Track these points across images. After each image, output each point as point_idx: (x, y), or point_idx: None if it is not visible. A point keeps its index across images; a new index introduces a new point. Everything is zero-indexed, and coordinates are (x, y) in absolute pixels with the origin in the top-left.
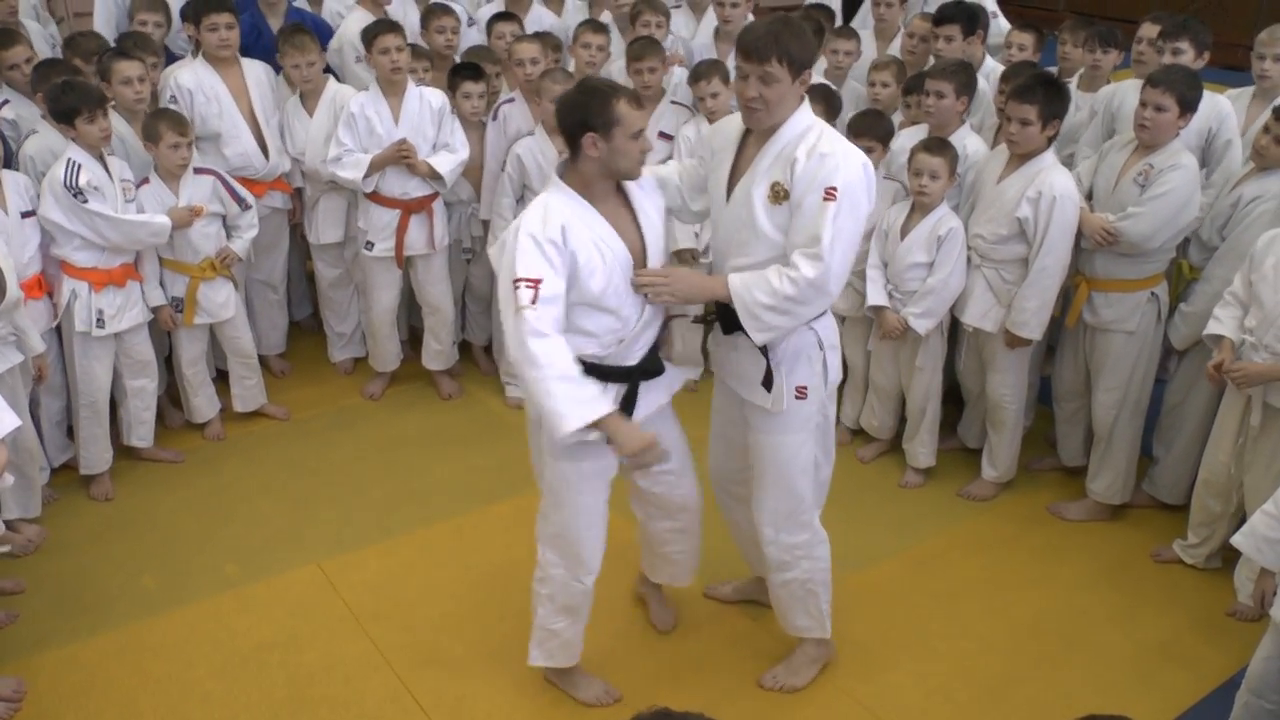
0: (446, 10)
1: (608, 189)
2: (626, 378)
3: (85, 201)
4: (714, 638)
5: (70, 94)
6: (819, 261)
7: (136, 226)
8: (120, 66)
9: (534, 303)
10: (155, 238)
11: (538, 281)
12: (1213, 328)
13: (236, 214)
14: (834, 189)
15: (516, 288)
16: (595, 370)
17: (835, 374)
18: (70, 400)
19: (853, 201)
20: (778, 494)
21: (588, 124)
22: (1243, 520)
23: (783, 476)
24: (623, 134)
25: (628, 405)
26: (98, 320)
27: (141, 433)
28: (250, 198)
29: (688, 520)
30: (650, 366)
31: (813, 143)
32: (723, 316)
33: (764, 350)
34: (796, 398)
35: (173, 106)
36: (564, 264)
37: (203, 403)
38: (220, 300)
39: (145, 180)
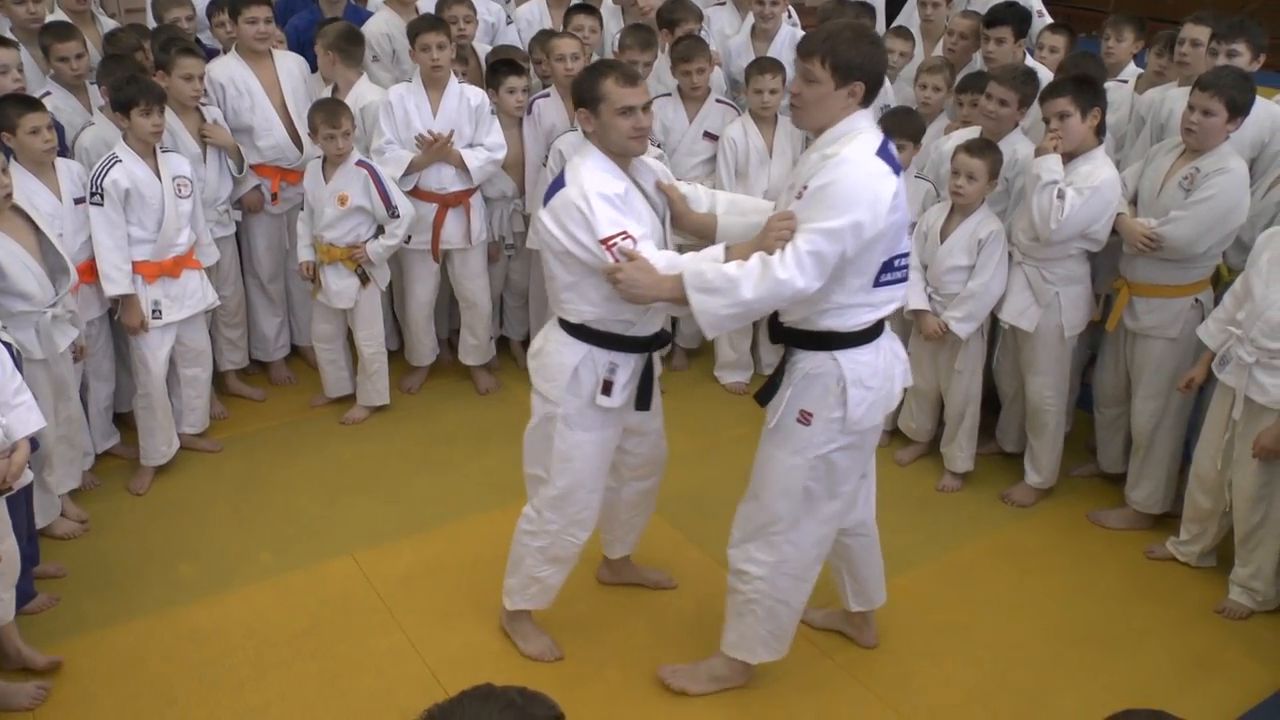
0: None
1: (622, 164)
2: (645, 348)
3: (100, 204)
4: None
5: (133, 85)
6: (771, 261)
7: (112, 250)
8: (185, 62)
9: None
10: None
11: (624, 233)
12: (1200, 332)
13: (384, 217)
14: (805, 187)
15: (610, 246)
16: (620, 341)
17: (862, 416)
18: (118, 386)
19: (824, 202)
20: (755, 503)
21: (581, 100)
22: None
23: (763, 489)
24: (608, 109)
25: (646, 381)
26: (154, 311)
27: (192, 420)
28: (404, 207)
29: (657, 481)
30: (665, 337)
31: (836, 146)
32: (770, 324)
33: (783, 364)
34: (798, 420)
35: (204, 100)
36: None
37: (330, 381)
38: (335, 289)
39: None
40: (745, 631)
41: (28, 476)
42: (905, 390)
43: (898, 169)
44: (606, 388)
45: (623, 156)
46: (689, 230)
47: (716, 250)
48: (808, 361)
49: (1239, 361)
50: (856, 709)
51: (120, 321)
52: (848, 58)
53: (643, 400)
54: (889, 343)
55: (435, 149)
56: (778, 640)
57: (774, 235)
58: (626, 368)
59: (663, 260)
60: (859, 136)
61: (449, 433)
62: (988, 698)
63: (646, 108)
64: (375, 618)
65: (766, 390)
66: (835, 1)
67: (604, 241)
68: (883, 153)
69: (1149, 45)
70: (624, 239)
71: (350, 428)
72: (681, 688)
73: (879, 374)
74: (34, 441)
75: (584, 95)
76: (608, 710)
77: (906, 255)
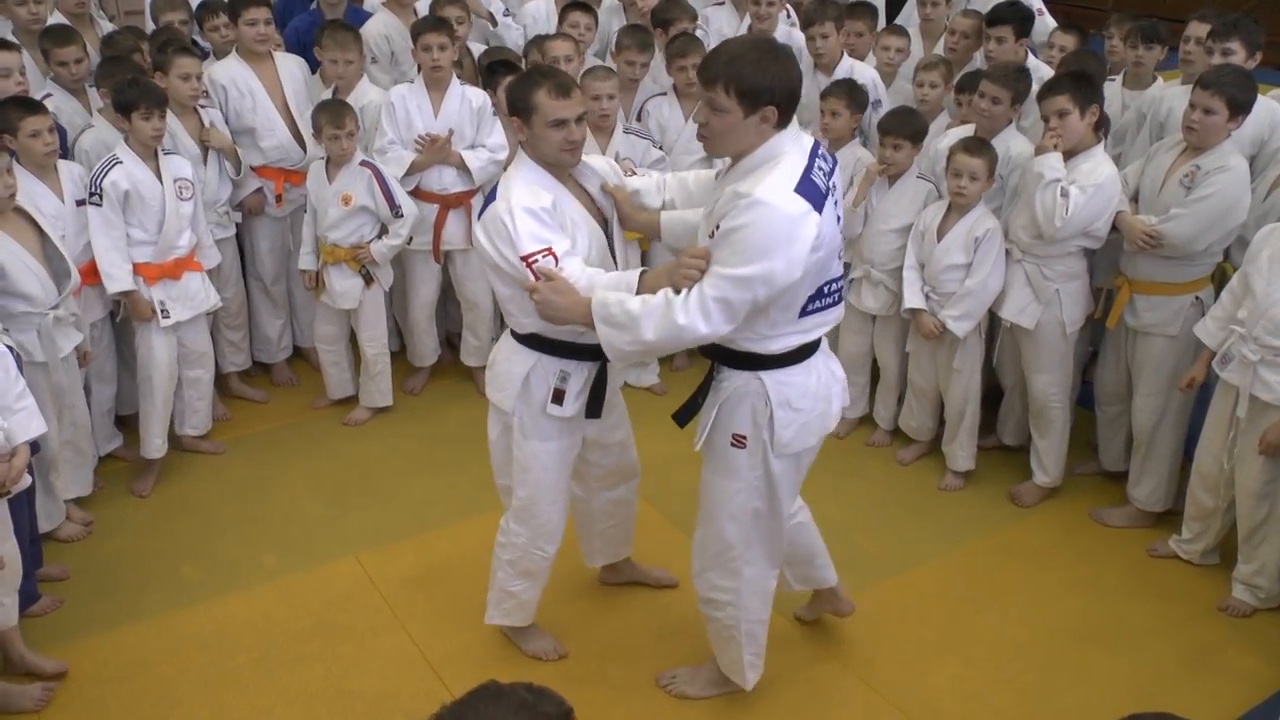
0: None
1: (557, 174)
2: (597, 355)
3: (98, 204)
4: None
5: (134, 88)
6: (674, 302)
7: (109, 249)
8: (182, 62)
9: (558, 265)
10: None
11: (548, 250)
12: (1198, 330)
13: (388, 217)
14: (716, 229)
15: (531, 264)
16: (571, 349)
17: (791, 438)
18: (120, 388)
19: (734, 248)
20: (706, 531)
21: (513, 108)
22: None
23: (710, 516)
24: (540, 121)
25: (599, 389)
26: (162, 311)
27: (195, 421)
28: (408, 207)
29: (630, 489)
30: None
31: (750, 182)
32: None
33: (708, 381)
34: (733, 445)
35: (204, 102)
36: (562, 234)
37: (333, 383)
38: (339, 290)
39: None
40: (734, 657)
41: (27, 480)
42: (907, 388)
43: (821, 201)
44: (558, 396)
45: (556, 167)
46: (638, 230)
47: (631, 277)
48: (732, 380)
49: (1242, 360)
50: (859, 708)
51: (129, 318)
52: (753, 82)
53: (594, 408)
54: (823, 361)
55: (435, 150)
56: (762, 660)
57: (682, 274)
58: (579, 376)
59: (584, 280)
60: (779, 166)
61: (451, 434)
62: (989, 695)
63: (579, 120)
64: (379, 619)
65: (686, 410)
66: (818, 1)
67: (525, 259)
68: (804, 185)
69: (1126, 40)
70: (545, 256)
71: (353, 429)
72: (682, 693)
73: (809, 395)
74: (34, 445)
75: (516, 104)
76: (610, 708)
77: (839, 279)
